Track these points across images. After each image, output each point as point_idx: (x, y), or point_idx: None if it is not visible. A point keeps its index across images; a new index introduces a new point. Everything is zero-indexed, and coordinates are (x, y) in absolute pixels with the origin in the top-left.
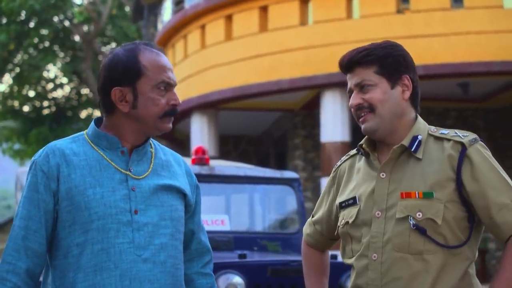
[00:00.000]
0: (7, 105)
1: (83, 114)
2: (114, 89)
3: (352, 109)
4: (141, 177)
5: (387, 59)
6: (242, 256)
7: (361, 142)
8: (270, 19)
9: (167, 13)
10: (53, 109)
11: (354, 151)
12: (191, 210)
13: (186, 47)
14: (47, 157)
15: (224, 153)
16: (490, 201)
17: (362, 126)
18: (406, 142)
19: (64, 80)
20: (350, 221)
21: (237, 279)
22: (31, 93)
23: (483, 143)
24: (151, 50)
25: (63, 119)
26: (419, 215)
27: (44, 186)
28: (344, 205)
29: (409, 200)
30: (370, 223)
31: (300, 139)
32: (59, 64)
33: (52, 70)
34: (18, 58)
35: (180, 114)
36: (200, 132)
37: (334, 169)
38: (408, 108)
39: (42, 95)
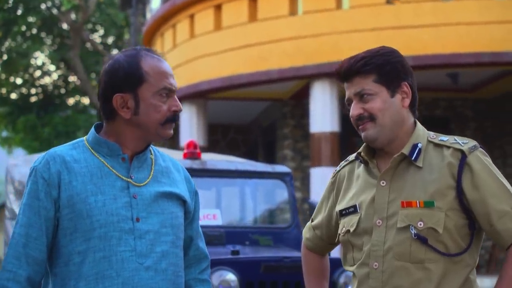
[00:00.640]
0: None
1: (71, 101)
2: (115, 95)
3: (352, 119)
4: (142, 184)
5: (386, 67)
6: (235, 253)
7: (359, 150)
8: (259, 9)
9: (155, 2)
10: (41, 96)
11: (353, 157)
12: (190, 217)
13: (175, 37)
14: (48, 164)
15: (213, 142)
16: (491, 209)
17: (362, 135)
18: (406, 150)
19: (52, 67)
20: (352, 229)
21: (230, 276)
22: (19, 81)
23: (483, 150)
24: (153, 56)
25: (50, 107)
26: (420, 224)
27: (45, 193)
28: (344, 213)
29: (410, 209)
30: (371, 232)
31: (289, 129)
32: (46, 51)
33: (39, 58)
34: (6, 45)
35: None
36: (189, 122)
37: (333, 175)
38: (407, 114)
39: (29, 83)
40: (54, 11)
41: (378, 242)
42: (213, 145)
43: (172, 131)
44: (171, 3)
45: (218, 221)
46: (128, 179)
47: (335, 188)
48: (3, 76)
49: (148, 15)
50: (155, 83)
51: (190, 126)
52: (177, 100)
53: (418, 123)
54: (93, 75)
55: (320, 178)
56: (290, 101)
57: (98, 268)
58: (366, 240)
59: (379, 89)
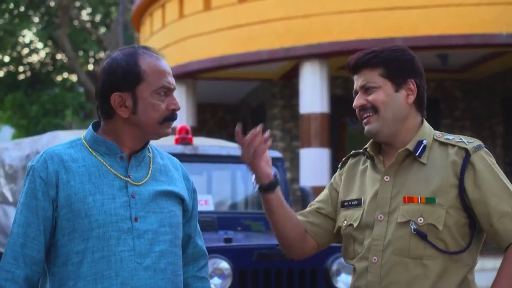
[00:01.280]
0: None
1: (58, 79)
2: (113, 94)
3: (356, 110)
4: (140, 183)
5: (393, 63)
6: (227, 240)
7: (366, 146)
8: None
9: None
10: (29, 74)
11: (358, 151)
12: (188, 215)
13: (164, 17)
14: (45, 163)
15: (201, 121)
16: (491, 209)
17: (365, 128)
18: (411, 146)
19: (40, 45)
20: (355, 224)
21: (224, 264)
22: (7, 59)
23: (487, 150)
24: (151, 54)
25: (38, 84)
26: (420, 220)
27: (43, 193)
28: (346, 205)
29: (411, 205)
30: (373, 226)
31: (278, 109)
32: (34, 29)
33: (27, 36)
34: None
35: None
36: (178, 102)
37: (340, 165)
38: (412, 112)
39: (17, 61)
40: None
41: (379, 237)
42: (201, 125)
43: (170, 130)
44: None
45: (210, 207)
46: (127, 178)
47: (343, 176)
48: None
49: None
50: (154, 82)
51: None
52: (175, 98)
53: (425, 122)
54: (81, 53)
55: (310, 159)
56: (280, 82)
57: (97, 268)
58: (368, 234)
59: (383, 83)
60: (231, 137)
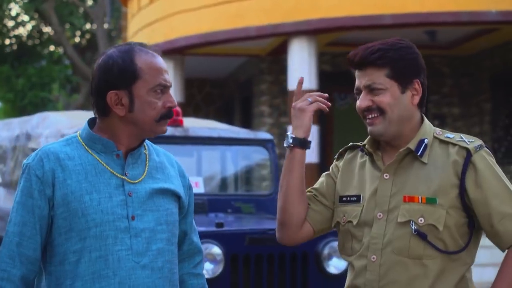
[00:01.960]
0: None
1: (45, 52)
2: (109, 92)
3: (358, 110)
4: (136, 181)
5: (400, 63)
6: (219, 225)
7: (364, 142)
8: None
9: None
10: (15, 47)
11: (355, 144)
12: (184, 212)
13: None
14: (41, 162)
15: (189, 96)
16: (492, 210)
17: (369, 129)
18: (412, 145)
19: (26, 18)
20: (354, 222)
21: (216, 250)
22: None
23: (488, 150)
24: (147, 51)
25: (25, 57)
26: (421, 220)
27: (39, 191)
28: (345, 200)
29: (412, 204)
30: (371, 224)
31: (266, 85)
32: (20, 2)
33: (13, 8)
34: None
35: None
36: None
37: (337, 156)
38: (415, 111)
39: (3, 33)
40: None
41: (377, 235)
42: (189, 100)
43: (166, 128)
44: None
45: (200, 189)
46: (123, 177)
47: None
48: None
49: None
50: (150, 80)
51: None
52: (172, 96)
53: (426, 119)
54: (67, 26)
55: None
56: (267, 57)
57: (95, 268)
58: (366, 232)
59: (390, 84)
60: (218, 112)
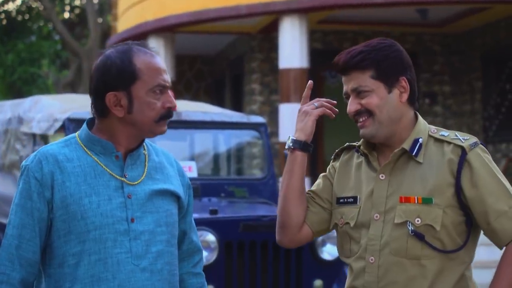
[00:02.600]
0: None
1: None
2: (108, 94)
3: (349, 114)
4: (136, 182)
5: (384, 63)
6: (213, 212)
7: (358, 143)
8: None
9: None
10: (4, 22)
11: (350, 145)
12: (184, 211)
13: None
14: (40, 164)
15: (179, 73)
16: (489, 208)
17: (361, 132)
18: (407, 145)
19: None
20: (352, 223)
21: (210, 237)
22: None
23: (483, 147)
24: (145, 51)
25: (14, 33)
26: (417, 220)
27: (38, 194)
28: (342, 201)
29: (408, 205)
30: (368, 225)
31: (257, 63)
32: None
33: None
34: None
35: (136, 37)
36: None
37: (334, 157)
38: (406, 109)
39: None
40: None
41: (375, 237)
42: (180, 77)
43: (166, 128)
44: None
45: (194, 173)
46: (122, 178)
47: (336, 171)
48: None
49: None
50: (149, 80)
51: None
52: (171, 96)
53: (420, 117)
54: (57, 1)
55: (289, 114)
56: (258, 35)
57: (94, 271)
58: (364, 233)
59: (376, 86)
60: (209, 89)
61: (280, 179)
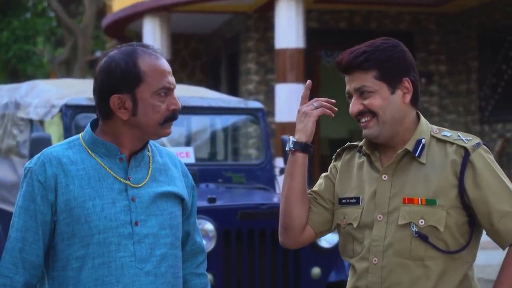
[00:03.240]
0: None
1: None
2: (112, 96)
3: (352, 115)
4: (140, 185)
5: (387, 63)
6: (211, 200)
7: (361, 144)
8: None
9: None
10: None
11: (351, 144)
12: (187, 212)
13: None
14: (43, 166)
15: (175, 52)
16: (492, 208)
17: (363, 132)
18: (410, 146)
19: None
20: (355, 224)
21: (208, 226)
22: None
23: (486, 147)
24: (150, 53)
25: (9, 10)
26: (421, 222)
27: (41, 197)
28: (344, 202)
29: (412, 206)
30: (372, 226)
31: (253, 42)
32: None
33: None
34: None
35: (131, 17)
36: (152, 35)
37: (335, 157)
38: (408, 109)
39: None
40: None
41: (378, 238)
42: (175, 55)
43: (171, 130)
44: None
45: (191, 159)
46: (126, 181)
47: (338, 170)
48: None
49: None
50: (154, 83)
51: (153, 39)
52: (176, 98)
53: (422, 117)
54: None
55: (285, 94)
56: (254, 14)
57: (98, 275)
58: (367, 234)
59: (379, 86)
60: (204, 67)
61: (277, 159)
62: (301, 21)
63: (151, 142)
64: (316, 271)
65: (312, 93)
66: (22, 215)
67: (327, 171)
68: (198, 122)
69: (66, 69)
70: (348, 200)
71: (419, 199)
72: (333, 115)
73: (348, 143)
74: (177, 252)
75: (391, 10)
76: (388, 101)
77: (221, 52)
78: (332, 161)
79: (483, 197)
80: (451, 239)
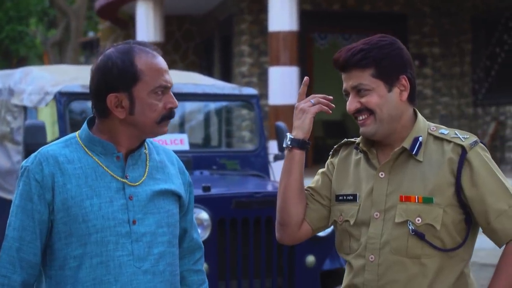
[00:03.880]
0: None
1: None
2: (109, 95)
3: (349, 112)
4: (137, 183)
5: (384, 61)
6: (206, 189)
7: (358, 141)
8: None
9: None
10: None
11: (348, 141)
12: (185, 210)
13: None
14: (40, 165)
15: (168, 34)
16: (488, 207)
17: (361, 130)
18: (407, 144)
19: None
20: (351, 221)
21: (203, 215)
22: None
23: (483, 145)
24: (147, 51)
25: None
26: (418, 220)
27: (38, 196)
28: (341, 199)
29: (408, 204)
30: (368, 223)
31: (246, 25)
32: None
33: None
34: None
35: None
36: (145, 18)
37: (332, 153)
38: (406, 107)
39: None
40: None
41: (375, 235)
42: (168, 37)
43: (167, 128)
44: None
45: (185, 146)
46: (124, 180)
47: (335, 167)
48: None
49: None
50: (151, 82)
51: (146, 22)
52: (173, 96)
53: (419, 115)
54: None
55: (279, 77)
56: None
57: (96, 274)
58: (364, 231)
59: (376, 84)
60: (197, 49)
61: (270, 142)
62: (295, 4)
63: (148, 140)
64: (310, 259)
65: (305, 75)
66: (19, 214)
67: (319, 153)
68: (192, 109)
69: (59, 50)
70: (345, 197)
71: (416, 197)
72: (331, 111)
73: (345, 139)
74: (174, 250)
75: None
76: (385, 99)
77: (214, 34)
78: (329, 157)
79: (480, 196)
80: (447, 237)
